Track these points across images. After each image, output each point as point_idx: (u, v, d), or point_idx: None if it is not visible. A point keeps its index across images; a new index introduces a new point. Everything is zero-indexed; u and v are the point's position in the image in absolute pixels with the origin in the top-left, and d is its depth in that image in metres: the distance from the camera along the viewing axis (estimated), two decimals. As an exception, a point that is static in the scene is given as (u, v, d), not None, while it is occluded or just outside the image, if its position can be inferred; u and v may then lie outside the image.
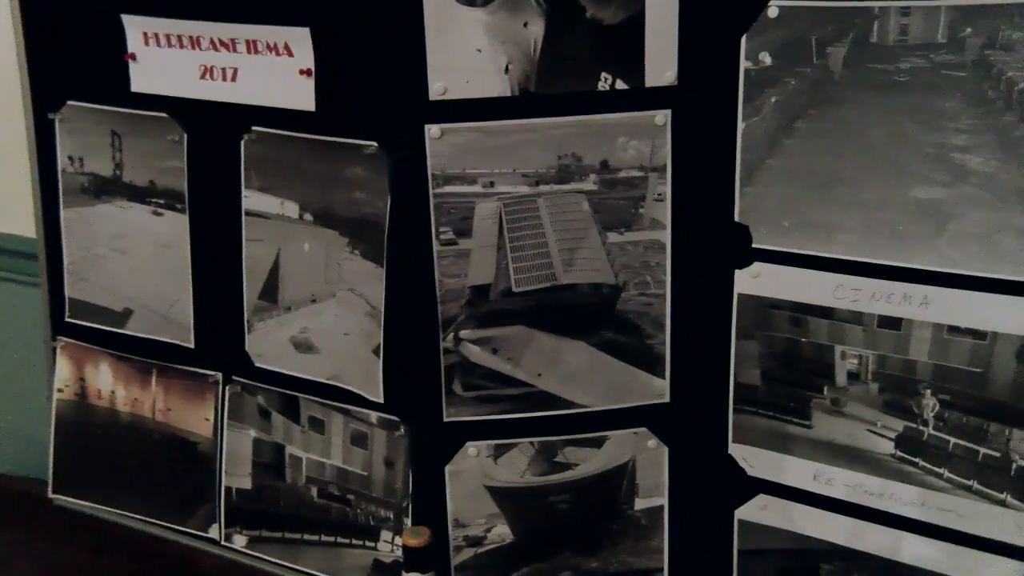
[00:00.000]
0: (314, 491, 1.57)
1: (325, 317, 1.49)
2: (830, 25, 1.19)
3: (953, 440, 1.24)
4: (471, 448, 1.43)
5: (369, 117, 1.36)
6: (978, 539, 1.25)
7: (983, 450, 1.22)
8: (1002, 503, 1.23)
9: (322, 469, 1.56)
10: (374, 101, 1.35)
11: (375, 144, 1.36)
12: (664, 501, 1.46)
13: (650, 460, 1.44)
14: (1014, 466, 1.21)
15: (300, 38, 1.35)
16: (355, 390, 1.48)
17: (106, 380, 1.72)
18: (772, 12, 1.22)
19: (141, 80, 1.52)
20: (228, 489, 1.63)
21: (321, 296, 1.49)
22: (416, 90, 1.29)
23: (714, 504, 1.43)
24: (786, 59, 1.23)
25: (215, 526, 1.65)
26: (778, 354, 1.34)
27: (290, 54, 1.37)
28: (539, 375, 1.40)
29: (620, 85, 1.28)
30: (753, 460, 1.39)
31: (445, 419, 1.42)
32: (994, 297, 1.17)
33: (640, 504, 1.46)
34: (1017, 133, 1.11)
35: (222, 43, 1.42)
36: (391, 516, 1.51)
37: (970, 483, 1.24)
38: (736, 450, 1.40)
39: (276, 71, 1.38)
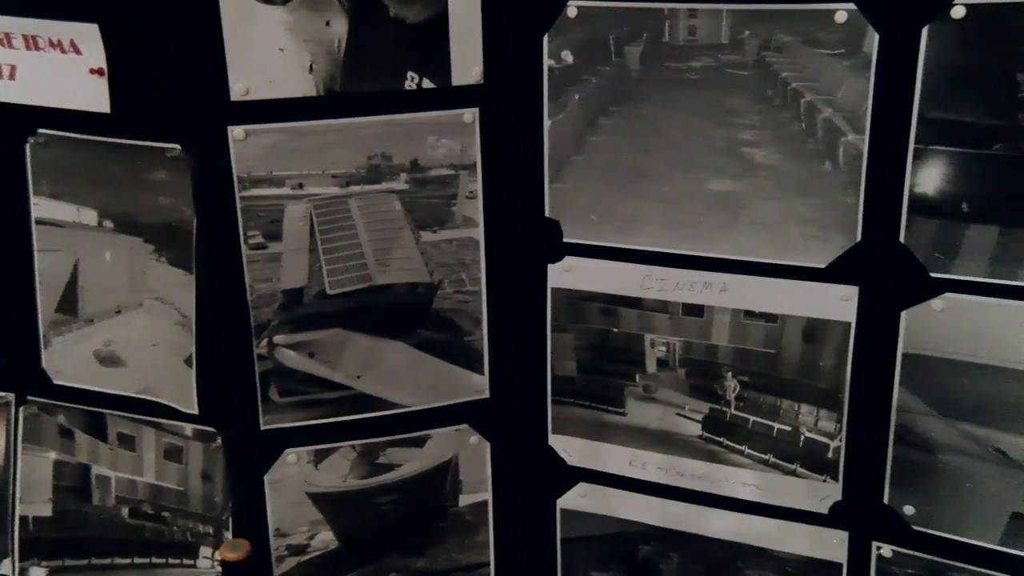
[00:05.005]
0: (125, 511, 1.49)
1: (132, 328, 1.42)
2: (626, 25, 1.24)
3: (752, 418, 1.32)
4: (290, 455, 1.40)
5: (170, 119, 1.30)
6: (776, 508, 1.34)
7: (777, 426, 1.31)
8: (793, 473, 1.31)
9: (133, 487, 1.48)
10: (174, 102, 1.29)
11: (178, 147, 1.31)
12: (488, 496, 1.48)
13: (472, 456, 1.45)
14: (802, 438, 1.30)
15: (88, 35, 1.28)
16: (167, 403, 1.42)
17: None
18: (571, 12, 1.25)
19: None
20: (24, 519, 1.52)
21: (127, 306, 1.42)
22: (217, 91, 1.25)
23: (537, 496, 1.46)
24: (587, 57, 1.27)
25: (7, 561, 1.54)
26: (592, 345, 1.38)
27: (77, 52, 1.29)
28: (358, 377, 1.38)
29: (427, 84, 1.28)
30: (573, 450, 1.43)
31: (262, 427, 1.38)
32: (783, 282, 1.25)
33: (464, 500, 1.47)
34: (793, 128, 1.20)
35: (-5, 38, 1.33)
36: (210, 531, 1.46)
37: (767, 457, 1.32)
38: (556, 441, 1.44)
39: (62, 70, 1.30)
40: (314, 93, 1.26)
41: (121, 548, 1.51)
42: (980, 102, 1.09)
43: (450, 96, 1.29)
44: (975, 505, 1.21)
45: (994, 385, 1.17)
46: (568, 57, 1.28)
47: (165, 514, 1.48)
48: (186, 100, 1.28)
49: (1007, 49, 1.06)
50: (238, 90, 1.25)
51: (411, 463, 1.43)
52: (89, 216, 1.40)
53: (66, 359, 1.45)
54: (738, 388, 1.32)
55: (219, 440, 1.42)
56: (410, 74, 1.28)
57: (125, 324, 1.42)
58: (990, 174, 1.11)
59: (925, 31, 1.09)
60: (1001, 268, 1.13)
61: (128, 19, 1.27)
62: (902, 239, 1.16)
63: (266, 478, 1.41)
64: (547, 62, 1.28)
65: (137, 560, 1.51)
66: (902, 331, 1.20)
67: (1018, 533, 1.19)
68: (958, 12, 1.07)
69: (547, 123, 1.30)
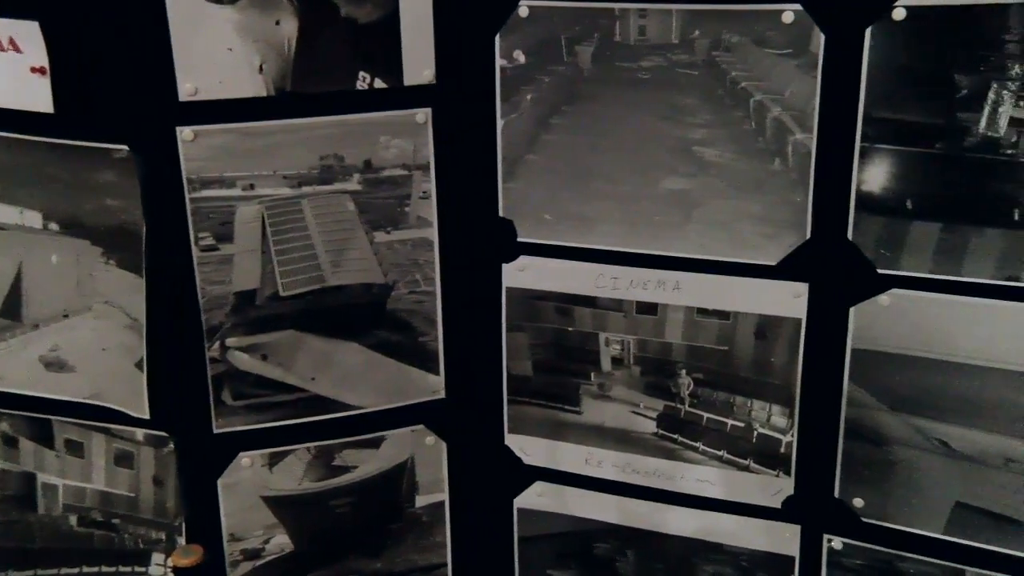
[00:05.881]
0: (73, 519, 1.46)
1: (80, 332, 1.39)
2: (577, 25, 1.24)
3: (706, 415, 1.34)
4: (244, 459, 1.39)
5: (117, 119, 1.28)
6: (730, 504, 1.35)
7: (730, 422, 1.32)
8: (747, 468, 1.33)
9: (82, 495, 1.45)
10: (121, 102, 1.27)
11: (125, 148, 1.28)
12: (445, 496, 1.47)
13: (429, 457, 1.45)
14: (755, 434, 1.31)
15: (28, 33, 1.25)
16: (117, 407, 1.39)
17: None
18: (523, 12, 1.25)
19: None
20: (-35, 530, 1.50)
21: (74, 310, 1.39)
22: (165, 90, 1.23)
23: (494, 495, 1.46)
24: (539, 57, 1.27)
25: (-49, 573, 1.51)
26: (547, 344, 1.38)
27: (17, 50, 1.26)
28: (312, 379, 1.37)
29: (379, 84, 1.27)
30: (529, 449, 1.44)
31: (215, 431, 1.37)
32: (735, 280, 1.27)
33: (421, 501, 1.47)
34: (744, 128, 1.21)
35: (-72, 35, 1.29)
36: (163, 537, 1.44)
37: (721, 453, 1.34)
38: (512, 440, 1.44)
39: (2, 68, 1.27)
40: (264, 93, 1.25)
41: (69, 557, 1.48)
42: (922, 102, 1.11)
43: (402, 96, 1.29)
44: (921, 496, 1.24)
45: (938, 378, 1.19)
46: (520, 57, 1.28)
47: (115, 521, 1.46)
48: (133, 100, 1.26)
49: (946, 50, 1.09)
50: (186, 90, 1.23)
51: (367, 465, 1.43)
52: (33, 218, 1.37)
53: (10, 365, 1.42)
54: (692, 385, 1.33)
55: (171, 444, 1.40)
56: (362, 74, 1.27)
57: (73, 328, 1.39)
58: (932, 172, 1.13)
59: (868, 32, 1.11)
60: (944, 264, 1.15)
61: (71, 16, 1.25)
62: (850, 236, 1.18)
63: (219, 482, 1.39)
64: (499, 62, 1.28)
65: (86, 569, 1.48)
66: (851, 327, 1.22)
67: (961, 522, 1.22)
68: (899, 14, 1.09)
69: (500, 123, 1.30)
